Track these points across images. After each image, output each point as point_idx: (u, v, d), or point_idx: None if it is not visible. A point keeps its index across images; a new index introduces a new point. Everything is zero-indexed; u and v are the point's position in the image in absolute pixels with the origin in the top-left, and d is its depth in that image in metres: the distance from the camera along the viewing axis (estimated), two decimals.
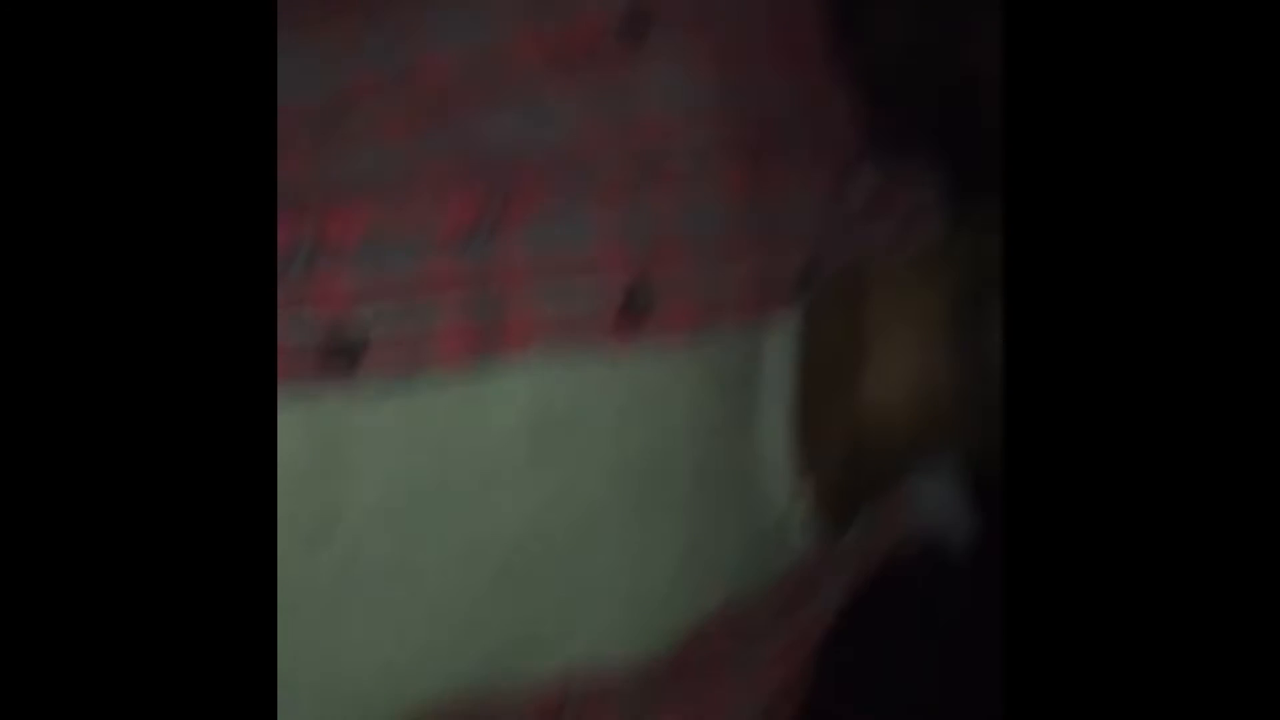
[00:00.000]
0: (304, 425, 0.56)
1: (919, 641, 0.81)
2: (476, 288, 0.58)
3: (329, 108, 0.60)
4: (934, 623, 0.82)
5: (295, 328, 0.56)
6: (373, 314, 0.57)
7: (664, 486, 0.65)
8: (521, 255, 0.59)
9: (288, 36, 0.58)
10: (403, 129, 0.59)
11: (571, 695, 0.66)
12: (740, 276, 0.64)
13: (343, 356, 0.56)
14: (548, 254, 0.59)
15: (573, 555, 0.63)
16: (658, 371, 0.63)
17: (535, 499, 0.61)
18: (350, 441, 0.57)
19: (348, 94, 0.60)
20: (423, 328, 0.57)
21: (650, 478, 0.64)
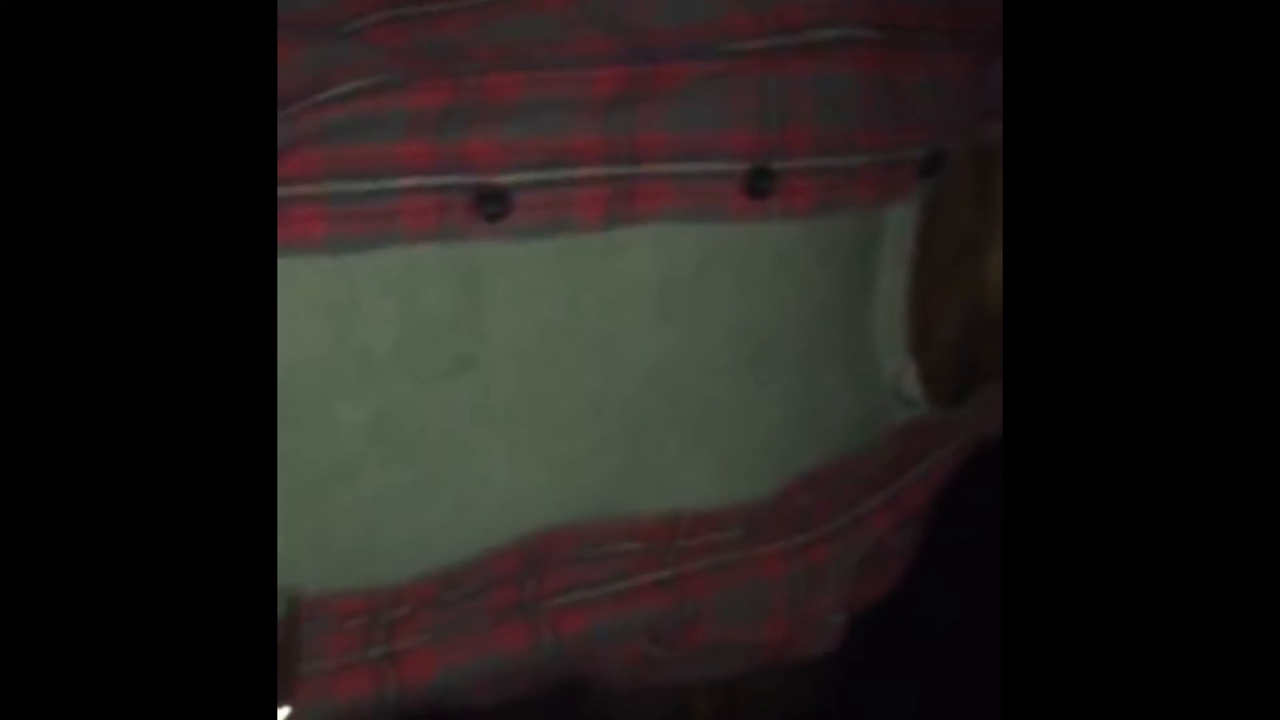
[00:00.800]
0: (451, 269, 0.62)
1: None
2: (616, 154, 0.63)
3: None
4: None
5: (450, 179, 0.61)
6: (521, 171, 0.62)
7: (778, 350, 0.69)
8: (659, 127, 0.64)
9: None
10: (560, 1, 0.64)
11: (680, 530, 0.72)
12: (867, 159, 0.68)
13: (491, 208, 0.62)
14: (683, 128, 0.64)
15: (688, 406, 0.68)
16: (779, 244, 0.67)
17: (656, 351, 0.67)
18: (491, 287, 0.63)
19: None
20: (565, 187, 0.63)
21: (766, 340, 0.69)
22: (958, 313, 0.76)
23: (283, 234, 0.59)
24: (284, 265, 0.59)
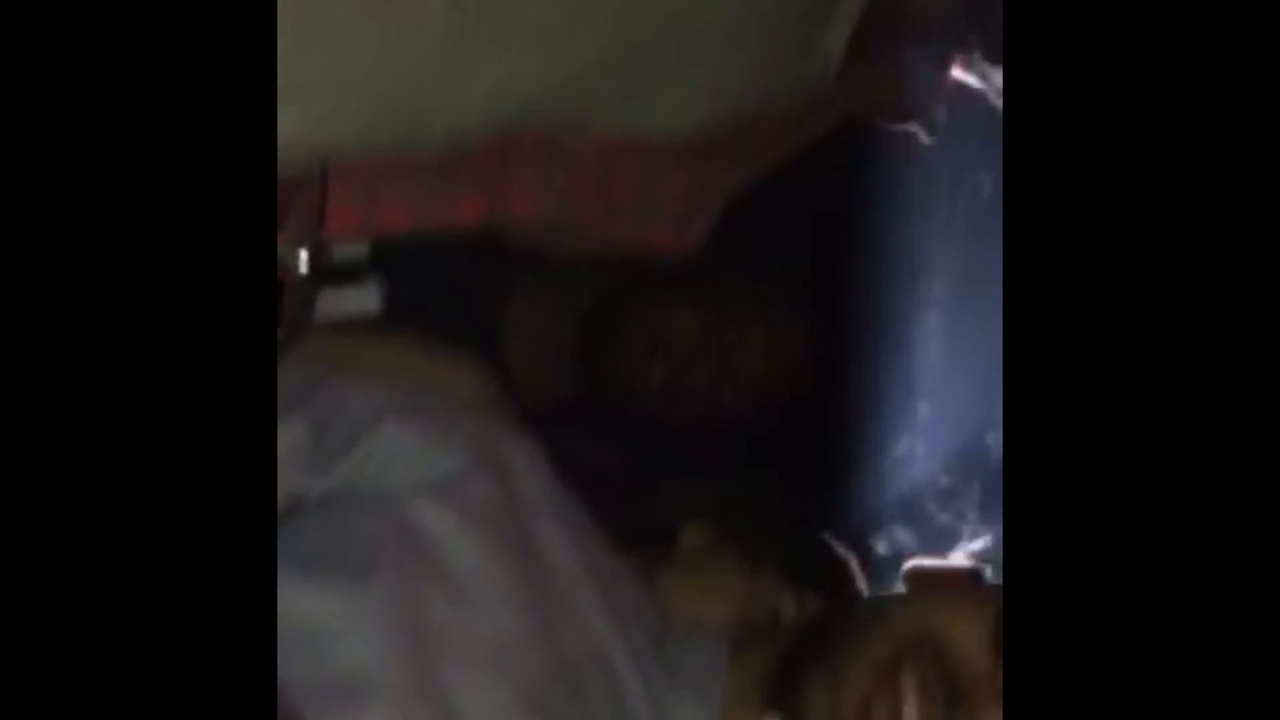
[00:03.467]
0: None
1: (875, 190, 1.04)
2: None
3: None
4: (894, 184, 1.05)
5: None
6: None
7: (761, 24, 0.82)
8: None
9: None
10: None
11: (625, 144, 0.86)
12: None
13: None
14: None
15: (689, 48, 0.80)
16: None
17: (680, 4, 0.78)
18: None
19: None
20: None
21: (755, 15, 0.81)
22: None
23: None
24: None
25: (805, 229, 1.13)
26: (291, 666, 0.65)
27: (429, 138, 0.78)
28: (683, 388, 1.14)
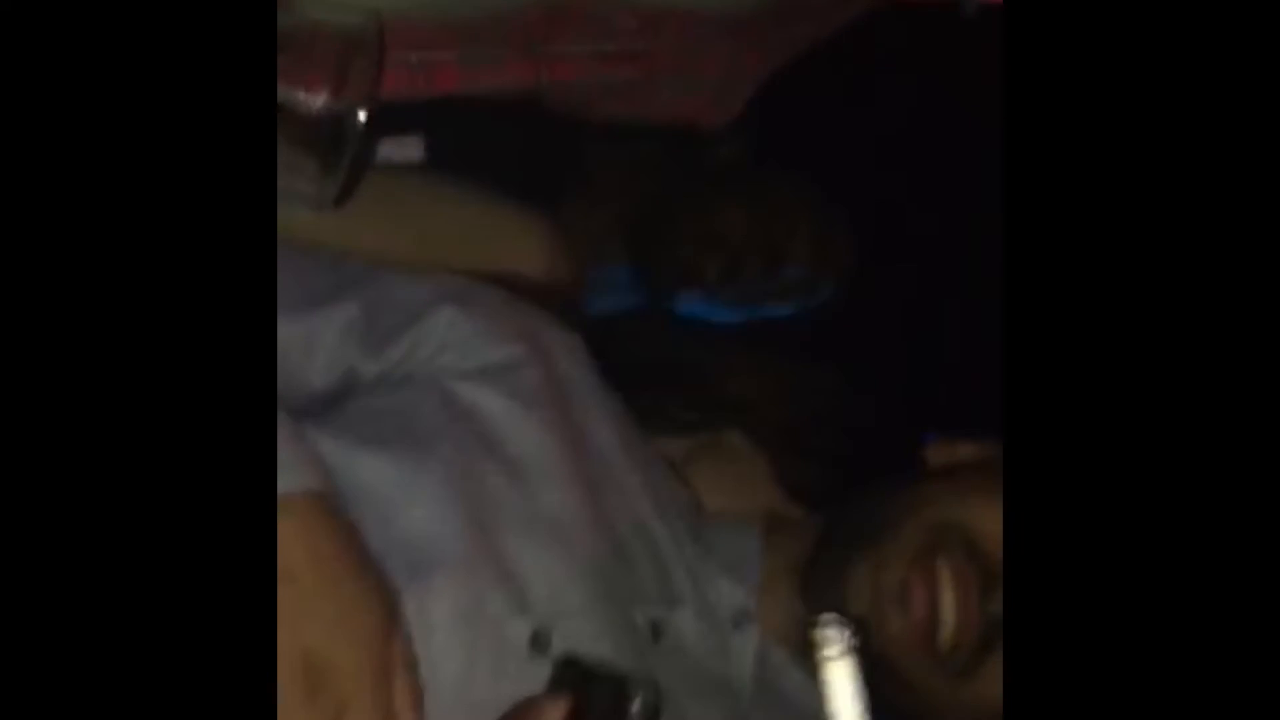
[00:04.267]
0: None
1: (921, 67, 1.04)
2: None
3: None
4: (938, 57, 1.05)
5: None
6: None
7: None
8: None
9: None
10: None
11: (670, 19, 0.86)
12: None
13: None
14: None
15: None
16: None
17: None
18: None
19: None
20: None
21: None
22: None
23: None
24: None
25: (850, 125, 1.13)
26: None
27: (480, 3, 0.79)
28: (733, 283, 1.15)
